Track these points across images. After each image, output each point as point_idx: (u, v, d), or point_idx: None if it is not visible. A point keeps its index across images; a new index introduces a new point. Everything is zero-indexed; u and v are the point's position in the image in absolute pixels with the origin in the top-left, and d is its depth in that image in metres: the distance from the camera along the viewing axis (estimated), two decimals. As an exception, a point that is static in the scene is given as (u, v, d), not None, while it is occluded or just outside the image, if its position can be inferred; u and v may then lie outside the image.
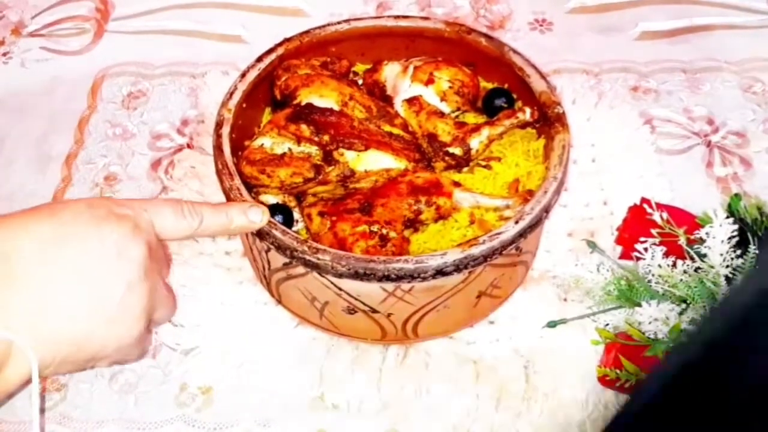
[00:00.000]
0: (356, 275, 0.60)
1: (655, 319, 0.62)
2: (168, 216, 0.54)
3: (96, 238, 0.47)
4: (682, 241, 0.66)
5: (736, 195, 0.71)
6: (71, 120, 0.92)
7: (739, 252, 0.62)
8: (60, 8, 1.05)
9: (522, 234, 0.62)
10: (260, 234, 0.62)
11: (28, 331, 0.44)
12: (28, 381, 0.45)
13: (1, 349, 0.43)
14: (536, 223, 0.63)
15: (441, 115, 0.72)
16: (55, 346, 0.45)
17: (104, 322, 0.47)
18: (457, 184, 0.68)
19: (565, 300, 0.73)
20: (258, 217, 0.61)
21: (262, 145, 0.69)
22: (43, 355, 0.45)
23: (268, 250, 0.65)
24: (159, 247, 0.53)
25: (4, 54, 1.00)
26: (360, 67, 0.80)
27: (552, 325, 0.70)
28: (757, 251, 0.62)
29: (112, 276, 0.47)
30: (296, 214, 0.68)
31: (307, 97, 0.71)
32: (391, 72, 0.76)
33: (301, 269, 0.63)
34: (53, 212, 0.48)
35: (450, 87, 0.73)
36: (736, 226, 0.63)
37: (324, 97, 0.71)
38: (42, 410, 0.68)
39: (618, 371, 0.62)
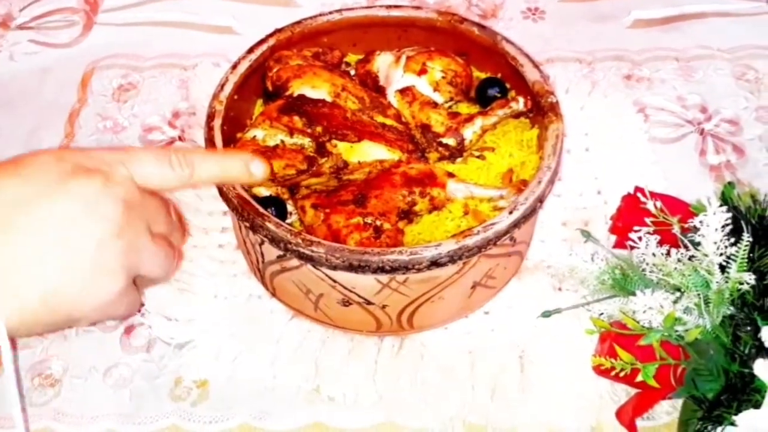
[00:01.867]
0: (350, 267, 0.60)
1: (650, 308, 0.62)
2: (150, 166, 0.50)
3: (63, 196, 0.45)
4: (676, 229, 0.66)
5: (730, 183, 0.71)
6: (61, 113, 0.91)
7: (732, 240, 0.62)
8: (49, 0, 1.04)
9: (516, 224, 0.62)
10: (254, 226, 0.62)
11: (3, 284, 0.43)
12: None
13: None
14: (530, 213, 0.63)
15: (434, 105, 0.72)
16: (21, 306, 0.44)
17: (76, 281, 0.45)
18: (450, 175, 0.68)
19: (560, 290, 0.73)
20: (260, 170, 0.57)
21: (255, 137, 0.69)
22: (10, 317, 0.44)
23: (261, 243, 0.64)
24: (144, 200, 0.50)
25: (-7, 47, 0.99)
26: (352, 58, 0.80)
27: (547, 314, 0.70)
28: (750, 239, 0.62)
29: (81, 235, 0.45)
30: (290, 207, 0.68)
31: (299, 88, 0.71)
32: (383, 62, 0.76)
33: (295, 262, 0.63)
34: (17, 169, 0.46)
35: (443, 77, 0.73)
36: (729, 215, 0.63)
37: (316, 88, 0.71)
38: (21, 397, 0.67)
39: (613, 360, 0.62)
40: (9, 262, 0.44)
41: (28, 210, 0.45)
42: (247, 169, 0.56)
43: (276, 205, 0.66)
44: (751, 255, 0.62)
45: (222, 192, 0.64)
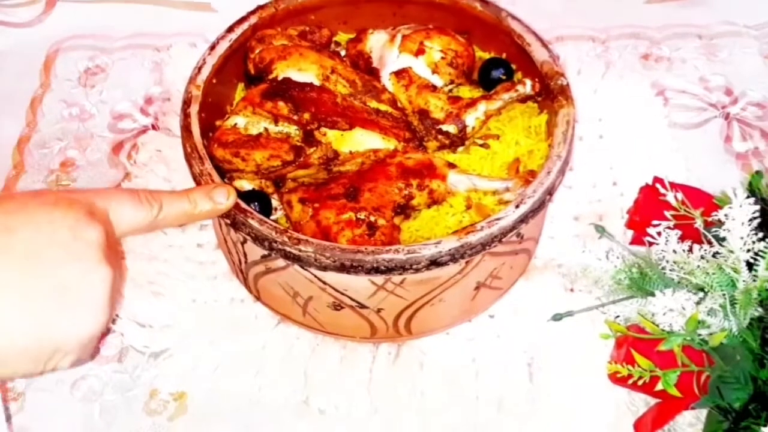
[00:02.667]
0: (342, 267, 0.60)
1: (670, 310, 0.62)
2: (125, 204, 0.53)
3: (47, 223, 0.47)
4: (699, 223, 0.66)
5: (758, 172, 0.72)
6: (22, 100, 0.91)
7: (761, 235, 0.63)
8: (6, -25, 1.04)
9: (523, 219, 0.62)
10: (235, 224, 0.62)
11: None
12: None
13: None
14: (539, 207, 0.63)
15: (433, 89, 0.72)
16: (8, 340, 0.45)
17: (64, 310, 0.47)
18: (451, 166, 0.68)
19: (572, 290, 0.73)
20: (223, 198, 0.60)
21: (236, 125, 0.68)
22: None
23: (244, 242, 0.64)
24: (116, 241, 0.52)
25: (-55, 27, 0.99)
26: (342, 37, 0.80)
27: (557, 318, 0.70)
28: (780, 234, 0.62)
29: (68, 262, 0.47)
30: (275, 202, 0.68)
31: (285, 71, 0.71)
32: (377, 42, 0.76)
33: (281, 262, 0.63)
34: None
35: (442, 58, 0.73)
36: (757, 207, 0.64)
37: (303, 70, 0.71)
38: (8, 418, 0.68)
39: (630, 367, 0.62)
40: None
41: (13, 237, 0.46)
42: (212, 199, 0.59)
43: (260, 199, 0.66)
44: (781, 251, 0.62)
45: (200, 185, 0.64)
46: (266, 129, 0.68)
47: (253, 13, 0.76)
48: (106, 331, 0.57)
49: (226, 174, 0.67)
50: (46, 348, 0.47)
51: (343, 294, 0.64)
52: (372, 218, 0.63)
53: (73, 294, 0.47)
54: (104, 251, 0.49)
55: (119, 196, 0.54)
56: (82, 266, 0.47)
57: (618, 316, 0.67)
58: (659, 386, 0.62)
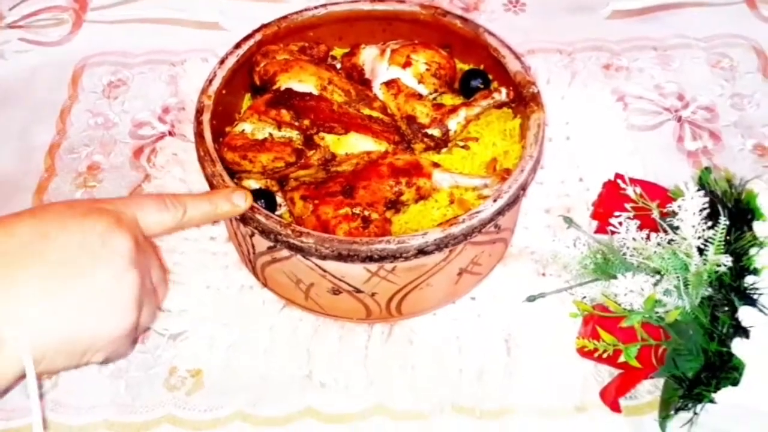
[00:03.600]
0: (340, 257, 0.59)
1: (631, 291, 0.62)
2: (151, 210, 0.53)
3: (79, 232, 0.46)
4: (655, 214, 0.66)
5: (706, 168, 0.71)
6: (53, 110, 0.90)
7: (710, 223, 0.63)
8: (37, -1, 1.03)
9: (500, 212, 0.62)
10: (244, 219, 0.61)
11: (17, 324, 0.43)
12: (22, 377, 0.44)
13: None
14: (514, 201, 0.63)
15: (419, 97, 0.72)
16: (45, 338, 0.44)
17: (94, 313, 0.46)
18: (436, 165, 0.68)
19: (544, 275, 0.73)
20: (242, 200, 0.60)
21: (243, 130, 0.68)
22: (34, 348, 0.44)
23: (252, 235, 0.64)
24: (146, 244, 0.52)
25: (-17, 46, 0.98)
26: (338, 52, 0.80)
27: (531, 299, 0.70)
28: (727, 222, 0.62)
29: (98, 267, 0.46)
30: (279, 199, 0.67)
31: (287, 82, 0.71)
32: (368, 56, 0.75)
33: (285, 252, 0.63)
34: (34, 213, 0.48)
35: (427, 69, 0.73)
36: (706, 199, 0.64)
37: (303, 81, 0.70)
38: (41, 396, 0.67)
39: (596, 342, 0.62)
40: (34, 295, 0.44)
41: (49, 244, 0.46)
42: (231, 201, 0.59)
43: (266, 197, 0.66)
44: (728, 238, 0.62)
45: (213, 186, 0.64)
46: (271, 134, 0.68)
47: (258, 31, 0.75)
48: (146, 329, 0.57)
49: (235, 174, 0.67)
50: (79, 347, 0.47)
51: (341, 280, 0.63)
52: (366, 213, 0.63)
53: (102, 297, 0.47)
54: (132, 257, 0.48)
55: (147, 202, 0.53)
56: (110, 271, 0.47)
57: (585, 297, 0.67)
58: (622, 358, 0.62)
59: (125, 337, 0.49)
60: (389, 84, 0.72)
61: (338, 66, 0.78)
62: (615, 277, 0.63)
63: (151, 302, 0.52)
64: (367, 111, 0.70)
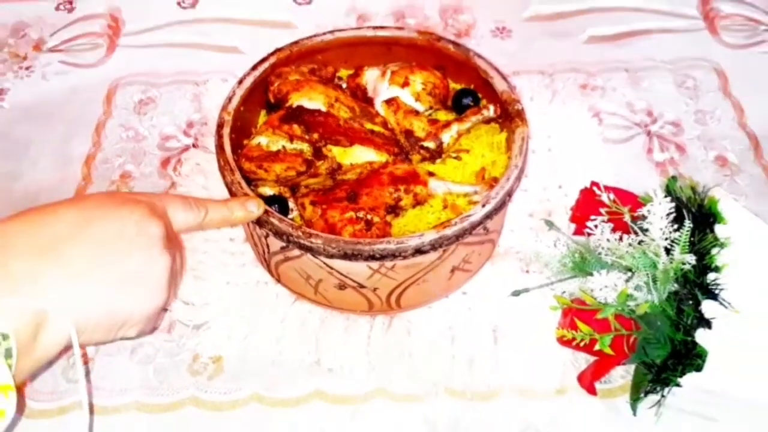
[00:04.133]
0: (345, 256, 0.59)
1: (605, 286, 0.62)
2: (178, 207, 0.53)
3: (117, 218, 0.47)
4: (627, 218, 0.66)
5: (673, 177, 0.72)
6: (89, 125, 0.91)
7: (676, 226, 0.63)
8: (76, 26, 1.03)
9: (489, 216, 0.62)
10: (259, 222, 0.62)
11: (62, 299, 0.43)
12: (65, 348, 0.44)
13: (36, 317, 0.42)
14: (501, 206, 0.63)
15: (416, 113, 0.72)
16: (87, 312, 0.44)
17: (131, 290, 0.46)
18: (431, 174, 0.68)
19: (527, 272, 0.73)
20: (255, 208, 0.61)
21: (259, 143, 0.68)
22: (77, 320, 0.44)
23: (267, 236, 0.64)
24: (174, 235, 0.52)
25: (27, 68, 0.98)
26: (344, 73, 0.80)
27: (516, 294, 0.70)
28: (691, 225, 0.62)
29: (134, 251, 0.46)
30: (291, 204, 0.68)
31: (298, 100, 0.71)
32: (371, 76, 0.75)
33: (296, 252, 0.63)
34: (78, 201, 0.49)
35: (423, 88, 0.73)
36: (673, 204, 0.64)
37: (313, 99, 0.71)
38: (86, 374, 0.67)
39: (574, 332, 0.62)
40: (78, 271, 0.44)
41: (91, 227, 0.46)
42: (245, 208, 0.60)
43: (279, 202, 0.66)
44: (692, 239, 0.62)
45: (232, 193, 0.64)
46: (284, 146, 0.68)
47: (272, 54, 0.75)
48: (164, 310, 0.57)
49: (252, 182, 0.67)
50: (116, 321, 0.47)
51: (346, 277, 0.64)
52: (369, 216, 0.63)
53: (138, 278, 0.47)
54: (164, 242, 0.48)
55: (174, 199, 0.54)
56: (145, 255, 0.47)
57: (564, 292, 0.67)
58: (597, 347, 0.62)
59: (156, 315, 0.49)
60: (389, 102, 0.72)
61: (344, 85, 0.78)
62: (591, 274, 0.64)
63: (177, 284, 0.52)
64: (369, 126, 0.71)
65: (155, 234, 0.48)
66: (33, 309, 0.42)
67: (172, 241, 0.50)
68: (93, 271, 0.45)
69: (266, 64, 0.74)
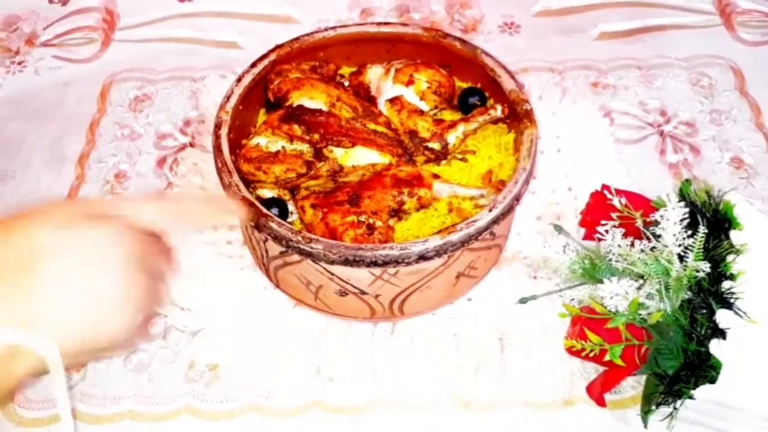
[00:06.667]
0: (346, 262, 0.59)
1: (616, 294, 0.62)
2: (149, 210, 0.52)
3: (91, 240, 0.47)
4: (639, 223, 0.66)
5: (687, 180, 0.71)
6: (83, 123, 0.90)
7: (690, 232, 0.62)
8: (69, 19, 1.03)
9: (495, 221, 0.62)
10: (258, 225, 0.61)
11: (44, 323, 0.44)
12: (40, 372, 0.44)
13: (11, 344, 0.43)
14: (508, 211, 0.63)
15: (420, 113, 0.72)
16: (64, 343, 0.45)
17: (105, 315, 0.46)
18: (436, 176, 0.67)
19: (535, 278, 0.73)
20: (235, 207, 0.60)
21: (258, 144, 0.68)
22: (55, 348, 0.44)
23: (266, 240, 0.64)
24: (150, 241, 0.51)
25: (19, 63, 0.98)
26: (346, 71, 0.79)
27: (523, 301, 0.70)
28: (705, 231, 0.62)
29: (106, 273, 0.47)
30: (290, 207, 0.67)
31: (299, 99, 0.70)
32: (374, 74, 0.75)
33: (296, 257, 0.62)
34: (44, 219, 0.47)
35: (428, 87, 0.73)
36: (687, 209, 0.63)
37: (314, 98, 0.70)
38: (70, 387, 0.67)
39: (583, 342, 0.62)
40: (58, 296, 0.44)
41: (66, 252, 0.45)
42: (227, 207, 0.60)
43: (278, 205, 0.66)
44: (706, 245, 0.62)
45: (230, 194, 0.64)
46: (283, 147, 0.68)
47: (272, 51, 0.75)
48: (155, 315, 0.56)
49: (250, 184, 0.67)
50: (93, 346, 0.47)
51: (347, 283, 0.63)
52: (371, 220, 0.63)
53: (111, 302, 0.47)
54: (138, 261, 0.48)
55: (143, 202, 0.53)
56: (117, 277, 0.47)
57: (573, 299, 0.67)
58: (607, 357, 0.61)
59: (134, 333, 0.49)
60: (393, 101, 0.72)
61: (346, 84, 0.77)
62: (601, 281, 0.63)
63: (160, 290, 0.52)
64: (372, 126, 0.70)
65: (131, 253, 0.48)
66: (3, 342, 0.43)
67: (147, 252, 0.50)
68: (67, 302, 0.45)
69: (266, 62, 0.74)
